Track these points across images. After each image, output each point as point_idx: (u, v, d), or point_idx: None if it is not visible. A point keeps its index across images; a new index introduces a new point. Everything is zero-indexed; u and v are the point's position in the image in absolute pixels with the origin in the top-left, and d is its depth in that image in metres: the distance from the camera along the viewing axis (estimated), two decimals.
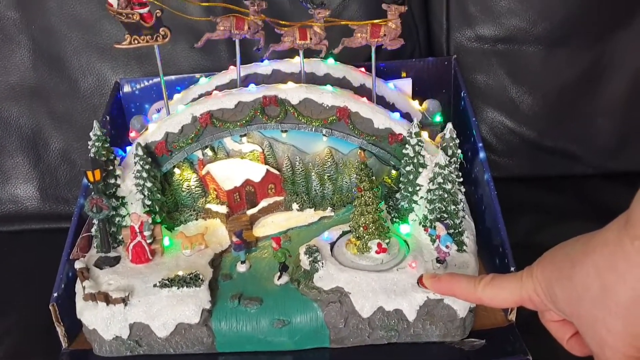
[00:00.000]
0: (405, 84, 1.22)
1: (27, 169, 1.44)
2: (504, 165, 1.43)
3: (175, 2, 1.25)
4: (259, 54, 1.13)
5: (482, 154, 1.11)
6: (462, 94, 1.23)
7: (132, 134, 1.18)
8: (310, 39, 1.05)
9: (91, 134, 1.03)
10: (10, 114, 1.42)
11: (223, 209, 1.12)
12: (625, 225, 0.58)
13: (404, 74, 1.29)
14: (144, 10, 1.01)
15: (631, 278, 0.58)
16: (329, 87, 1.08)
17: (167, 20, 1.04)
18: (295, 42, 1.05)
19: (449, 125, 1.02)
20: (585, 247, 0.63)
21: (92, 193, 1.01)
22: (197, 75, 1.28)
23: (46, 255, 1.24)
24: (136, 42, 1.03)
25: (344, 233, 1.04)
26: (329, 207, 1.14)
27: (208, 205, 1.13)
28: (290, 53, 1.15)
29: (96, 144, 1.03)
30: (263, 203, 1.14)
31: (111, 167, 1.04)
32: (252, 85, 1.09)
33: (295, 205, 1.14)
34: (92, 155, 1.03)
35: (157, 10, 1.02)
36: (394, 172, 1.12)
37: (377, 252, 0.97)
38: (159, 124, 1.09)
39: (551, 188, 1.38)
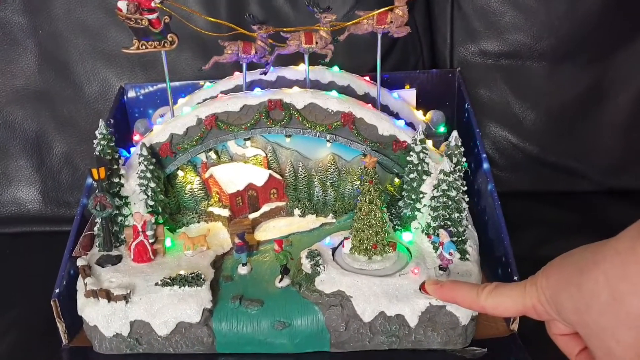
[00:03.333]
0: (410, 95, 1.23)
1: (30, 172, 1.44)
2: (507, 180, 1.43)
3: (182, 11, 1.28)
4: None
5: (485, 165, 1.12)
6: (466, 106, 1.24)
7: (136, 137, 1.18)
8: (316, 43, 1.05)
9: (97, 132, 1.03)
10: (15, 117, 1.43)
11: (225, 213, 1.12)
12: (639, 232, 0.58)
13: (407, 87, 1.30)
14: (153, 16, 1.02)
15: None
16: (334, 93, 1.08)
17: (174, 29, 1.05)
18: (300, 46, 1.06)
19: (454, 133, 1.02)
20: (594, 256, 0.62)
21: (96, 191, 1.01)
22: (201, 82, 1.29)
23: (47, 256, 1.23)
24: (144, 47, 1.04)
25: (345, 239, 1.03)
26: (330, 214, 1.14)
27: (210, 209, 1.13)
28: (295, 60, 1.16)
29: (101, 142, 1.03)
30: (265, 208, 1.15)
31: (115, 166, 1.04)
32: (257, 89, 1.10)
33: (297, 211, 1.14)
34: (97, 153, 1.03)
35: (166, 17, 1.03)
36: (396, 180, 1.12)
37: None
38: (164, 126, 1.09)
39: (554, 203, 1.38)
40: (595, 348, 0.63)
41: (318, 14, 1.04)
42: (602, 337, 0.62)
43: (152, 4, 1.01)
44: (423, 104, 1.24)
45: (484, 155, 1.13)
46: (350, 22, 1.05)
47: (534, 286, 0.68)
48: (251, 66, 1.16)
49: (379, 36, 1.06)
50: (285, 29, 1.07)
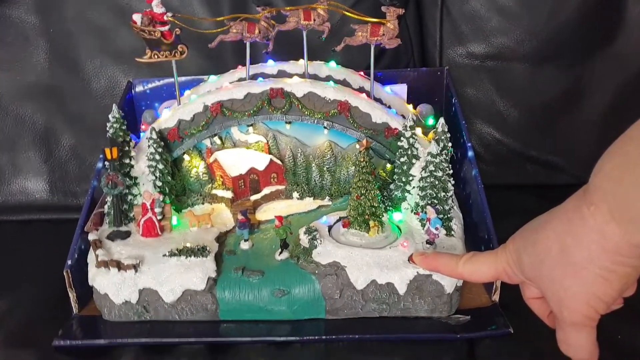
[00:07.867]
0: (401, 89, 1.31)
1: (38, 163, 1.50)
2: (492, 173, 1.51)
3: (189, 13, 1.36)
4: (266, 56, 1.21)
5: (470, 153, 1.19)
6: (453, 100, 1.33)
7: (144, 127, 1.26)
8: (314, 20, 1.12)
9: (110, 116, 1.10)
10: (26, 111, 1.49)
11: (228, 194, 1.19)
12: (584, 194, 0.65)
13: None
14: (165, 29, 1.11)
15: (586, 240, 0.64)
16: (331, 83, 1.17)
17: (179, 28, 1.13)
18: (299, 23, 1.12)
19: (441, 120, 1.10)
20: (547, 217, 0.70)
21: (108, 170, 1.08)
22: (205, 78, 1.36)
23: (53, 242, 1.30)
24: (156, 57, 1.12)
25: (341, 218, 1.11)
26: (327, 197, 1.21)
27: (214, 191, 1.21)
28: (296, 55, 1.24)
29: (114, 125, 1.10)
30: (266, 190, 1.22)
31: (127, 148, 1.11)
32: (260, 79, 1.18)
33: (295, 194, 1.22)
34: (110, 135, 1.10)
35: (177, 29, 1.11)
36: (388, 165, 1.20)
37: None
38: (172, 112, 1.17)
39: (536, 195, 1.45)
40: (550, 300, 0.70)
41: None
42: (554, 288, 0.69)
43: (165, 17, 1.10)
44: (413, 100, 1.33)
45: (469, 144, 1.20)
46: (346, 9, 1.12)
47: (503, 252, 0.75)
48: (255, 59, 1.23)
49: (372, 47, 1.15)
50: (286, 8, 1.13)
